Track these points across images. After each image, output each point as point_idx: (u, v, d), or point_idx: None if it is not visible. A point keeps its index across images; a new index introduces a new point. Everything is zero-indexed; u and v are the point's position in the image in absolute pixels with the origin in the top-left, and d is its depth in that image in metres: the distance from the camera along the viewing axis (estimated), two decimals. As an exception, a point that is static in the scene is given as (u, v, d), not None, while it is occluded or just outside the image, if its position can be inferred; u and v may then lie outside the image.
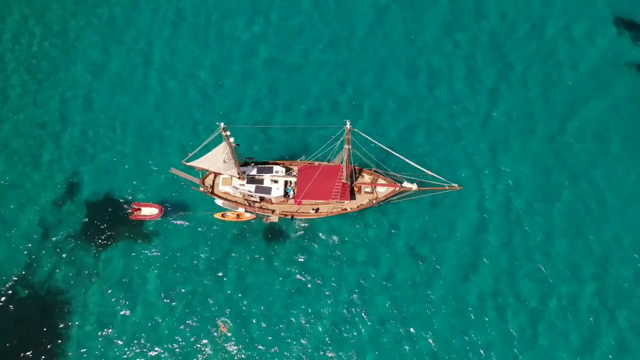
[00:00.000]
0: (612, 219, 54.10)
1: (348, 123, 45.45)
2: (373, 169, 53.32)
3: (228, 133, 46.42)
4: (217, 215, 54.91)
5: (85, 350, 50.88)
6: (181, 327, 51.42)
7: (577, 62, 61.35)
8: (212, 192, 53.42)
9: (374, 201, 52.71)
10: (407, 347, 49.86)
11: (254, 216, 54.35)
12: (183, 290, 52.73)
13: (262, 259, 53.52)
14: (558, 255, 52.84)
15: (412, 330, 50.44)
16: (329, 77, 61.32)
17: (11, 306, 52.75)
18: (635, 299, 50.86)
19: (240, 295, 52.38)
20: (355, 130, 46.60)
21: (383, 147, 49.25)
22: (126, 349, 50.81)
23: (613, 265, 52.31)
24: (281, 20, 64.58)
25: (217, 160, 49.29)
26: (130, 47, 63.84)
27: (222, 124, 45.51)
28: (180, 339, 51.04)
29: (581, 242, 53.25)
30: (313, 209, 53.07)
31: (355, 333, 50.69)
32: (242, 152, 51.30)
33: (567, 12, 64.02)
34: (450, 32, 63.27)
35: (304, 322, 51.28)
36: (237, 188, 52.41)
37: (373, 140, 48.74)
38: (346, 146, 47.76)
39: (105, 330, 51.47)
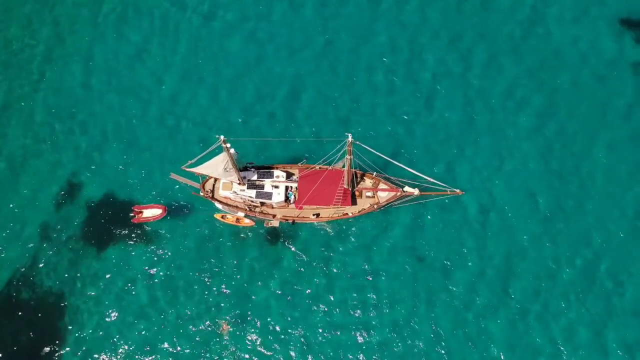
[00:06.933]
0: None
1: (350, 136, 44.96)
2: (374, 174, 52.97)
3: (228, 145, 45.88)
4: (217, 216, 54.87)
5: (84, 351, 51.62)
6: (182, 327, 52.07)
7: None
8: (213, 197, 53.17)
9: (375, 206, 52.58)
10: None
11: (253, 223, 54.34)
12: (183, 290, 53.20)
13: (263, 260, 53.79)
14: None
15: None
16: (324, 84, 60.24)
17: (10, 307, 53.14)
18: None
19: (241, 295, 52.88)
20: (357, 142, 46.04)
21: (384, 157, 48.90)
22: (126, 349, 51.58)
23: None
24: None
25: (217, 168, 48.89)
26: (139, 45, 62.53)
27: (222, 137, 44.94)
28: (180, 339, 51.73)
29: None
30: (314, 214, 52.99)
31: (363, 336, 51.68)
32: (241, 158, 50.81)
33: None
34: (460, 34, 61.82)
35: (310, 322, 51.97)
36: (237, 193, 52.13)
37: (375, 152, 48.26)
38: (347, 157, 47.36)
39: (105, 331, 52.11)
